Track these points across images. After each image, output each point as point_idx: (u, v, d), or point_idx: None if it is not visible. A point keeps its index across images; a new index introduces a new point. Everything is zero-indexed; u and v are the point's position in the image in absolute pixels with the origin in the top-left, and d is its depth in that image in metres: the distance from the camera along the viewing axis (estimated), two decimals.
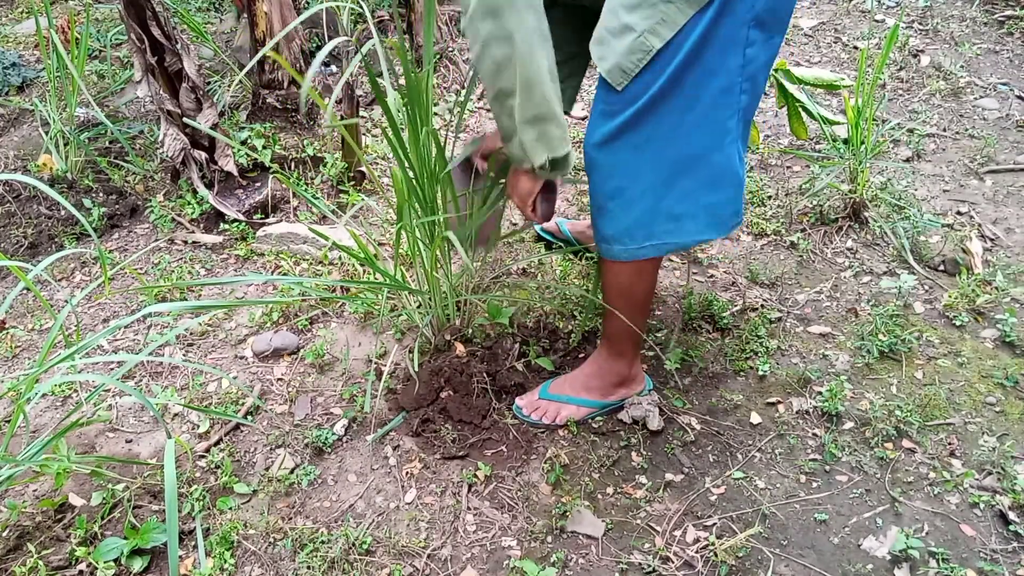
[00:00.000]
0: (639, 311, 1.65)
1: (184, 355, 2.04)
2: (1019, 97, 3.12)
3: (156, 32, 2.34)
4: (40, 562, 1.49)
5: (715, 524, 1.58)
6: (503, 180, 1.74)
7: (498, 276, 2.18)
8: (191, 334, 2.10)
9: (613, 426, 1.79)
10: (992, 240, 2.36)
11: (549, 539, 1.56)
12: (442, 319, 1.93)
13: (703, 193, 1.46)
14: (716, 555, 1.50)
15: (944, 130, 2.93)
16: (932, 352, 1.97)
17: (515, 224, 2.46)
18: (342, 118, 2.62)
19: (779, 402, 1.85)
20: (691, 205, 1.46)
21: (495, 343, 1.92)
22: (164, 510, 1.46)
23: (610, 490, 1.66)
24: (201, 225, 2.52)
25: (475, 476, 1.68)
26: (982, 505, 1.60)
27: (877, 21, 3.78)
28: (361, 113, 3.01)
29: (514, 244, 2.39)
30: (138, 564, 1.51)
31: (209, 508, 1.63)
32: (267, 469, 1.72)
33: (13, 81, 3.33)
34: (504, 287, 2.16)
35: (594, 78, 1.55)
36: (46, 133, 2.69)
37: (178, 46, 2.40)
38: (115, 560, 1.51)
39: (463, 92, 2.93)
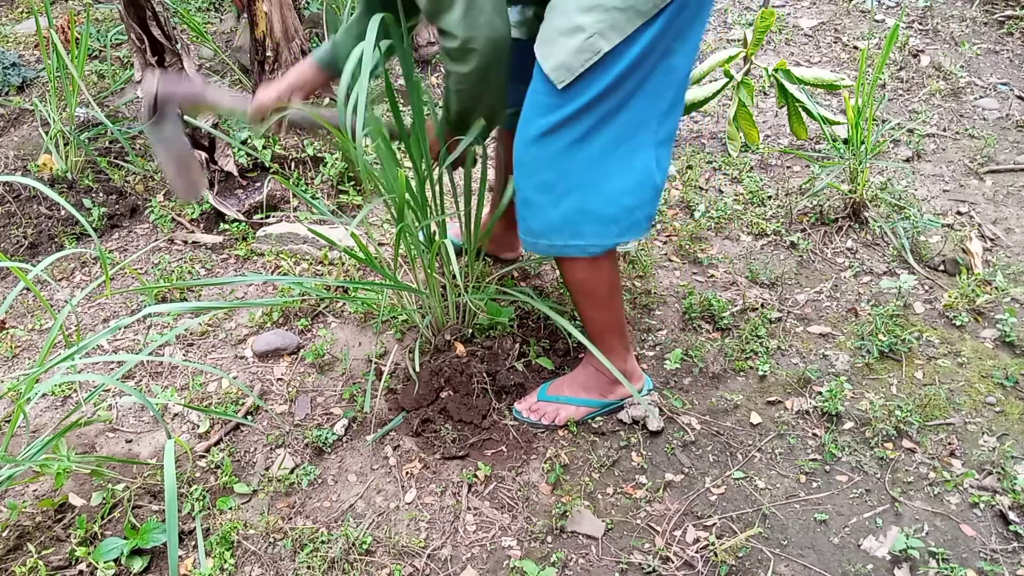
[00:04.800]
0: (606, 306, 1.65)
1: (184, 355, 2.04)
2: (1019, 97, 3.12)
3: (156, 32, 2.34)
4: (40, 562, 1.49)
5: (715, 524, 1.58)
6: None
7: (501, 276, 2.18)
8: (191, 334, 2.10)
9: (613, 426, 1.79)
10: (992, 240, 2.36)
11: (549, 539, 1.56)
12: (442, 319, 1.93)
13: (626, 196, 1.49)
14: (716, 555, 1.50)
15: (944, 130, 2.93)
16: (932, 352, 1.97)
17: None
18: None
19: (779, 402, 1.85)
20: (616, 208, 1.50)
21: (495, 343, 1.92)
22: (164, 510, 1.46)
23: (610, 490, 1.66)
24: (201, 225, 2.52)
25: (475, 476, 1.68)
26: (982, 505, 1.60)
27: (877, 21, 3.78)
28: None
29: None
30: (138, 564, 1.51)
31: (209, 508, 1.63)
32: (267, 469, 1.72)
33: (13, 81, 3.33)
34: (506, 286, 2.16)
35: None
36: (46, 133, 2.69)
37: (178, 46, 2.40)
38: (115, 560, 1.51)
39: None
